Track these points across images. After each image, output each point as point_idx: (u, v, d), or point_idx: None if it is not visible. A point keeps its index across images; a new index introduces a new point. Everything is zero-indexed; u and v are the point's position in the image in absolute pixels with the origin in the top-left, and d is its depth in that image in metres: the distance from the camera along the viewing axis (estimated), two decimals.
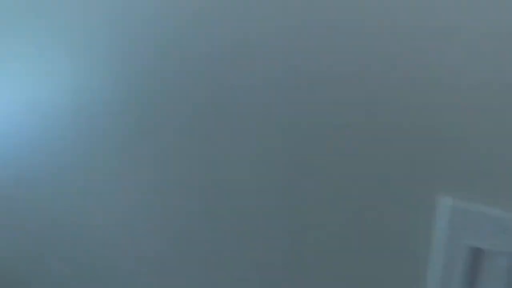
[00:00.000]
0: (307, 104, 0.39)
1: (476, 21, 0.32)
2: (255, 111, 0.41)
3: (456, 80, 0.33)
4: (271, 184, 0.43)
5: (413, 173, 0.37)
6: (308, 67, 0.38)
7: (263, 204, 0.44)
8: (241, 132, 0.43)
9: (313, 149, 0.41)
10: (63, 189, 0.55)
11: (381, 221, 0.40)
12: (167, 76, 0.44)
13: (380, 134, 0.38)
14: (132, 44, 0.45)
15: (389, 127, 0.37)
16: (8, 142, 0.56)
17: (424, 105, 0.35)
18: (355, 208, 0.41)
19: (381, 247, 0.41)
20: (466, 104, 0.34)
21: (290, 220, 0.44)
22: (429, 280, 0.39)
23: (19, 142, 0.55)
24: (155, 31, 0.43)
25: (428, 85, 0.35)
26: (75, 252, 0.58)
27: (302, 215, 0.43)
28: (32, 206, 0.58)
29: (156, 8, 0.42)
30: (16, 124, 0.54)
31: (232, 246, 0.48)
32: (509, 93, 0.32)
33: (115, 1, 0.44)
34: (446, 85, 0.34)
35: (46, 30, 0.49)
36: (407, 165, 0.37)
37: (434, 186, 0.37)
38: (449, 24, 0.32)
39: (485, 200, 0.36)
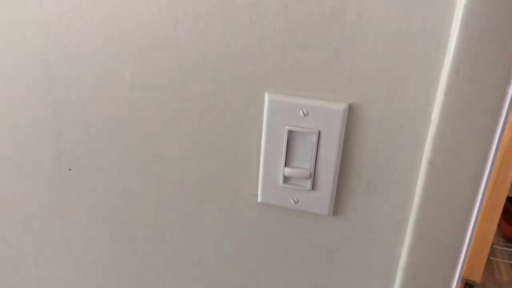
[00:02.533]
0: None
1: None
2: None
3: None
4: None
5: (247, 78, 0.51)
6: None
7: None
8: None
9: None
10: None
11: (223, 115, 0.54)
12: None
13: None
14: None
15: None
16: None
17: None
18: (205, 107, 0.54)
19: (224, 135, 0.55)
20: None
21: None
22: (262, 156, 0.54)
23: None
24: None
25: None
26: None
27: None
28: None
29: None
30: None
31: None
32: None
33: None
34: None
35: None
36: (244, 72, 0.51)
37: (260, 85, 0.51)
38: None
39: (294, 93, 0.51)
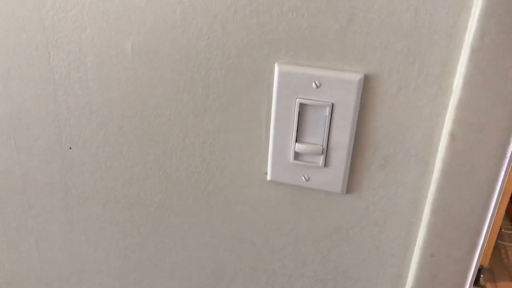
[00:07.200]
0: None
1: None
2: None
3: None
4: None
5: (255, 48, 0.49)
6: None
7: None
8: None
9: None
10: None
11: (230, 89, 0.51)
12: None
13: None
14: None
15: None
16: None
17: None
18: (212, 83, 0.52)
19: (231, 109, 0.52)
20: None
21: None
22: (271, 131, 0.52)
23: None
24: None
25: None
26: None
27: None
28: None
29: None
30: None
31: None
32: None
33: None
34: None
35: None
36: (252, 42, 0.48)
37: (270, 56, 0.48)
38: None
39: (306, 64, 0.48)
